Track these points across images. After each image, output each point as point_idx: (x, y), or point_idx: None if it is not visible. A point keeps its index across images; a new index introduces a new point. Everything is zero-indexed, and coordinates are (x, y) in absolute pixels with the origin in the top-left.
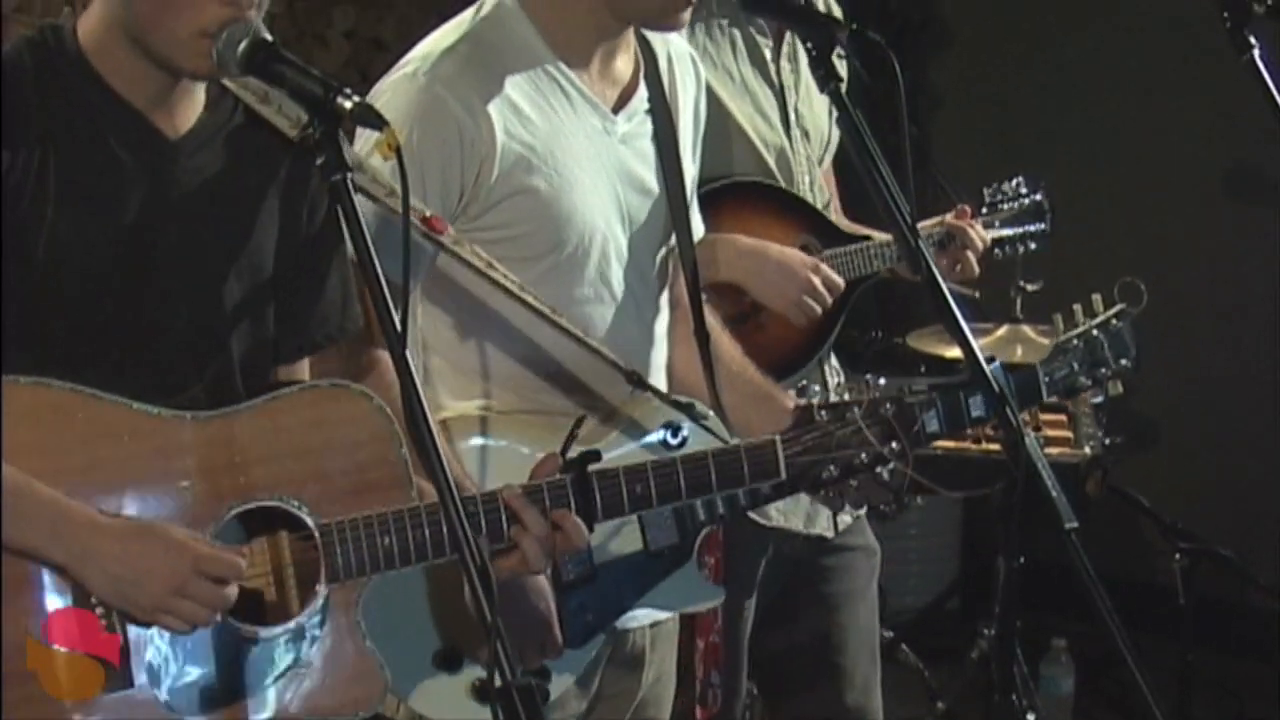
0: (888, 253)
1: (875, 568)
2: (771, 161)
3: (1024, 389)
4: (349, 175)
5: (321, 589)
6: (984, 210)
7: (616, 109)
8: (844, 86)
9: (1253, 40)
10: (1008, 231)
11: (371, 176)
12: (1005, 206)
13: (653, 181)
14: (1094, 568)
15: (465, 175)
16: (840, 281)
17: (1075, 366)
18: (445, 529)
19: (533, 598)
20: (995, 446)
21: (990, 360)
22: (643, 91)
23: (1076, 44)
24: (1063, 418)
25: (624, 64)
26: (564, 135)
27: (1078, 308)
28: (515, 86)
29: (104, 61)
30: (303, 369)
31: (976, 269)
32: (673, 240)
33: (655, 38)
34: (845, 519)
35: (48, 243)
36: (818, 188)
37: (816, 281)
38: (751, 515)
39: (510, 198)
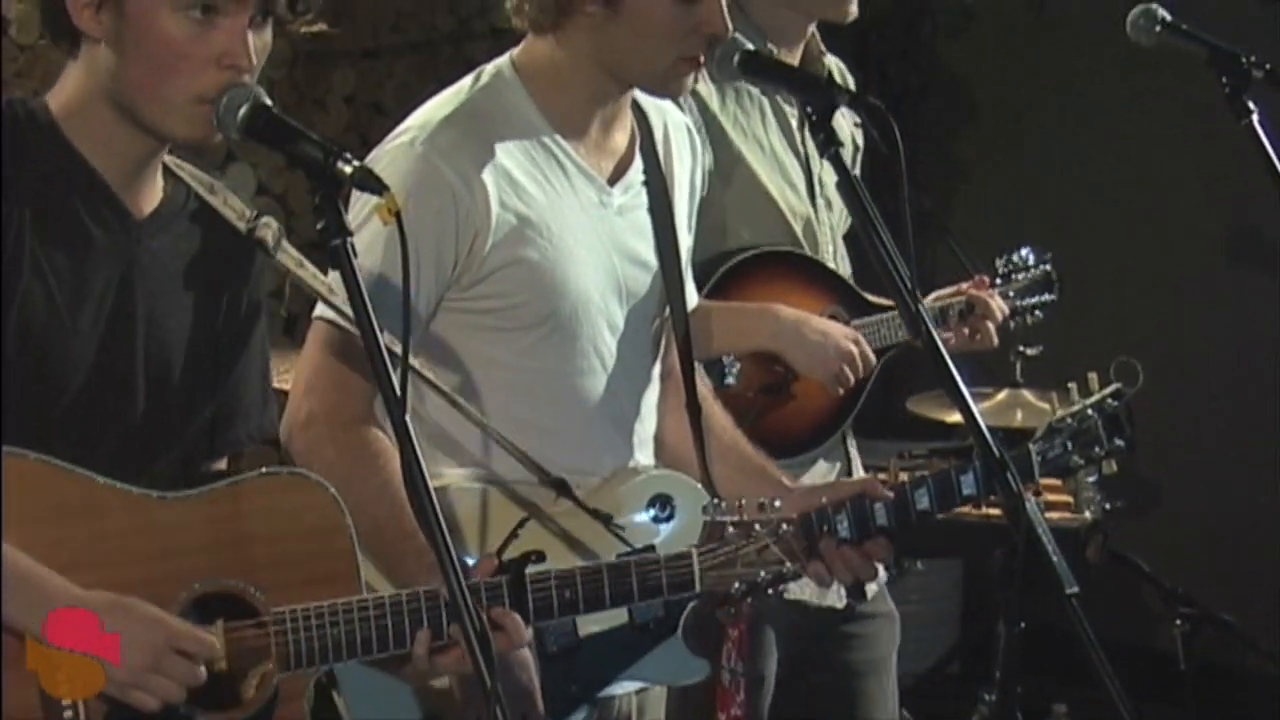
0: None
1: (896, 636)
2: (799, 230)
3: (1017, 467)
4: (349, 240)
5: (274, 677)
6: (998, 280)
7: (612, 181)
8: (859, 154)
9: (1251, 106)
10: (1019, 302)
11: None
12: (1017, 277)
13: (648, 253)
14: (1095, 633)
15: (460, 245)
16: (873, 357)
17: (1069, 446)
18: (394, 625)
19: (516, 669)
20: (996, 511)
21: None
22: (638, 163)
23: (1076, 109)
24: (1062, 483)
25: (620, 136)
26: (559, 207)
27: (1073, 386)
28: (511, 157)
29: (79, 132)
30: (221, 465)
31: (995, 339)
32: (666, 311)
33: (652, 110)
34: (871, 588)
35: (20, 316)
36: (841, 256)
37: (856, 352)
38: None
39: (504, 268)
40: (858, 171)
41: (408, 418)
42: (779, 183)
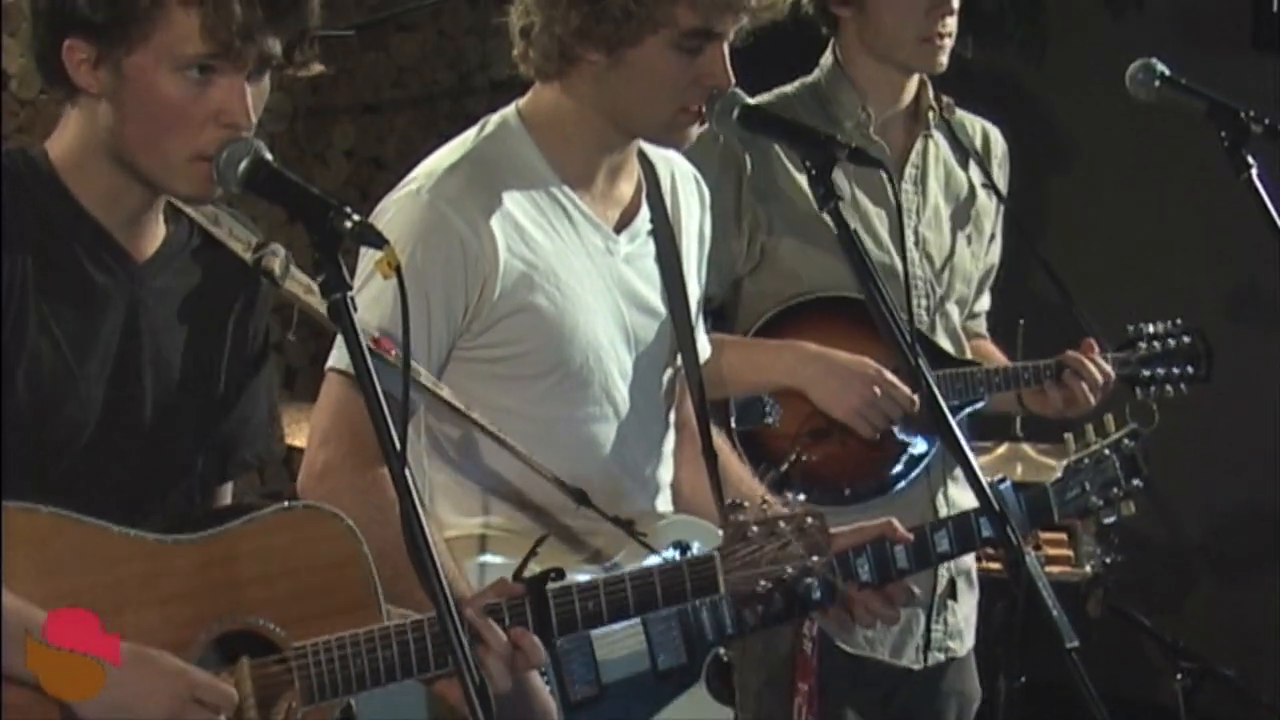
0: (997, 378)
1: (968, 717)
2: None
3: (1035, 509)
4: (348, 294)
5: (299, 711)
6: (1125, 348)
7: (619, 229)
8: (1000, 210)
9: (1250, 160)
10: (1148, 371)
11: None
12: (1151, 345)
13: (657, 301)
14: (1095, 687)
15: (469, 291)
16: (908, 394)
17: (1086, 487)
18: (416, 650)
19: (538, 716)
20: (996, 565)
21: (1001, 480)
22: (645, 212)
23: (1073, 162)
24: (1063, 536)
25: (626, 185)
26: (566, 254)
27: (1089, 427)
28: (517, 205)
29: (78, 181)
30: (226, 492)
31: (1091, 401)
32: (679, 360)
33: (659, 159)
34: (937, 655)
35: (30, 371)
36: (939, 313)
37: (878, 391)
38: (838, 643)
39: (513, 315)
40: (998, 223)
41: (410, 471)
42: (867, 238)
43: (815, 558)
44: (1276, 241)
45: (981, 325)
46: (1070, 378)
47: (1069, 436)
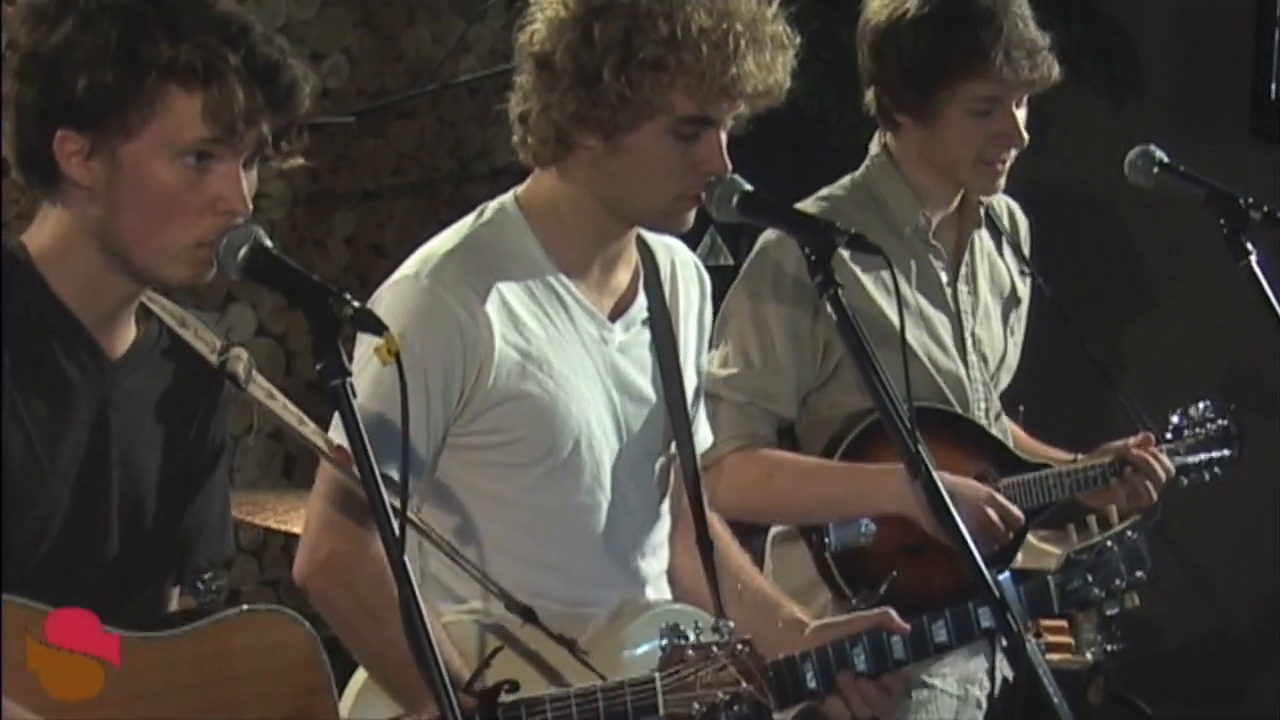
0: (1068, 481)
1: None
2: (947, 388)
3: (1035, 599)
4: (348, 381)
5: None
6: (1169, 436)
7: (614, 317)
8: (1020, 304)
9: (1250, 246)
10: (1191, 459)
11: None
12: (1194, 431)
13: (650, 390)
14: None
15: (466, 376)
16: (1018, 515)
17: (1089, 578)
18: None
19: None
20: None
21: (1001, 570)
22: (642, 300)
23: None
24: (1063, 624)
25: (623, 273)
26: (560, 343)
27: (1091, 518)
28: (513, 293)
29: (58, 275)
30: (174, 596)
31: (1154, 497)
32: (673, 449)
33: (659, 246)
34: None
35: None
36: (994, 413)
37: (993, 516)
38: None
39: (505, 403)
40: (1025, 315)
41: (408, 558)
42: (924, 340)
43: (744, 684)
44: (1275, 327)
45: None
46: (1134, 475)
47: (1070, 527)
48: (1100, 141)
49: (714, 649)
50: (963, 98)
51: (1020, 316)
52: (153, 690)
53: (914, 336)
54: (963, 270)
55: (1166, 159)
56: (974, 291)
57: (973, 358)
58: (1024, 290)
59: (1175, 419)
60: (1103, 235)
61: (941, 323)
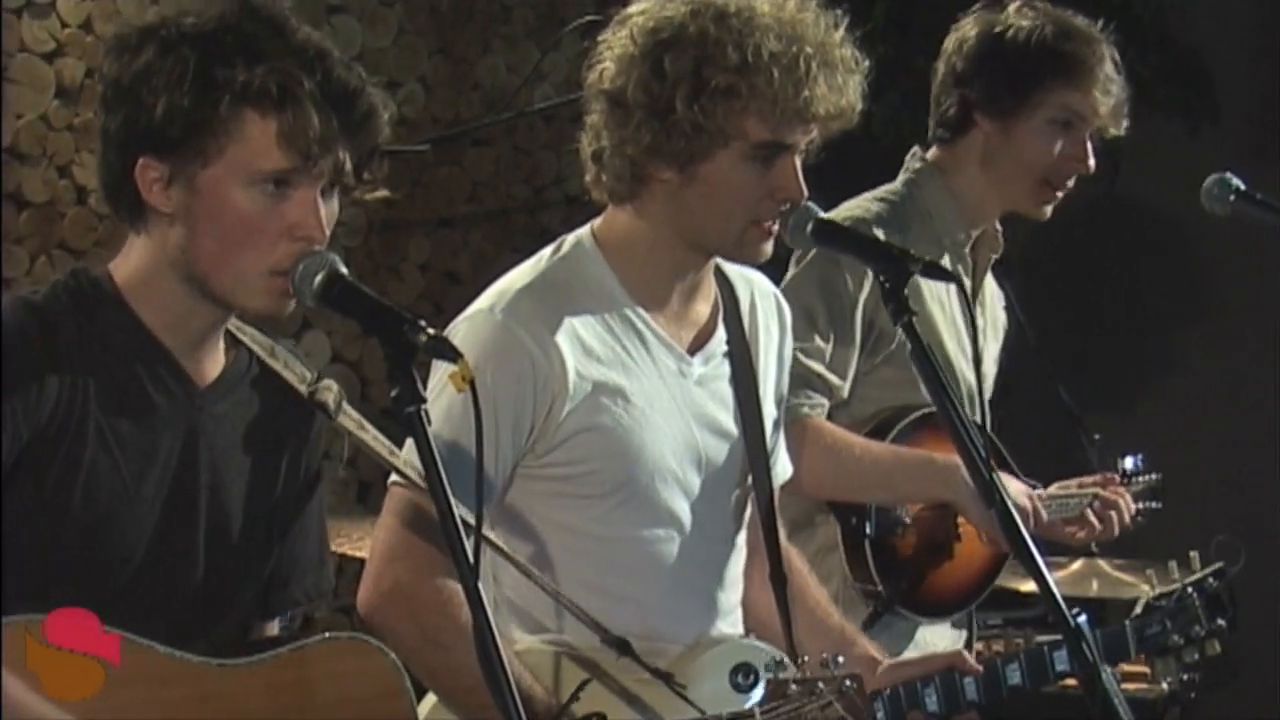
0: (1055, 505)
1: None
2: (965, 400)
3: (1112, 646)
4: (423, 408)
5: None
6: (1121, 479)
7: (693, 350)
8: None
9: None
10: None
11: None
12: (1138, 479)
13: (730, 424)
14: None
15: (537, 411)
16: (1046, 517)
17: (1168, 625)
18: None
19: None
20: (1071, 682)
21: (1078, 614)
22: (721, 333)
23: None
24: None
25: (702, 306)
26: (637, 375)
27: (1173, 564)
28: (589, 327)
29: (143, 303)
30: (271, 629)
31: (1116, 531)
32: (749, 481)
33: (739, 279)
34: None
35: (87, 487)
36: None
37: (1030, 508)
38: None
39: (579, 434)
40: (994, 348)
41: (481, 584)
42: (956, 352)
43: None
44: None
45: None
46: (1104, 509)
47: (1151, 573)
48: (1176, 168)
49: (820, 685)
50: (1053, 104)
51: (999, 343)
52: (232, 717)
53: (954, 348)
54: (978, 291)
55: (1243, 186)
56: (984, 313)
57: (981, 373)
58: (1001, 316)
59: (1121, 463)
60: (1176, 261)
61: (966, 336)
